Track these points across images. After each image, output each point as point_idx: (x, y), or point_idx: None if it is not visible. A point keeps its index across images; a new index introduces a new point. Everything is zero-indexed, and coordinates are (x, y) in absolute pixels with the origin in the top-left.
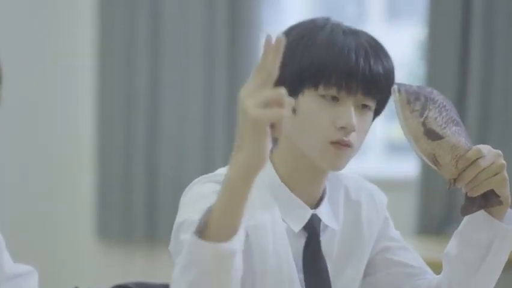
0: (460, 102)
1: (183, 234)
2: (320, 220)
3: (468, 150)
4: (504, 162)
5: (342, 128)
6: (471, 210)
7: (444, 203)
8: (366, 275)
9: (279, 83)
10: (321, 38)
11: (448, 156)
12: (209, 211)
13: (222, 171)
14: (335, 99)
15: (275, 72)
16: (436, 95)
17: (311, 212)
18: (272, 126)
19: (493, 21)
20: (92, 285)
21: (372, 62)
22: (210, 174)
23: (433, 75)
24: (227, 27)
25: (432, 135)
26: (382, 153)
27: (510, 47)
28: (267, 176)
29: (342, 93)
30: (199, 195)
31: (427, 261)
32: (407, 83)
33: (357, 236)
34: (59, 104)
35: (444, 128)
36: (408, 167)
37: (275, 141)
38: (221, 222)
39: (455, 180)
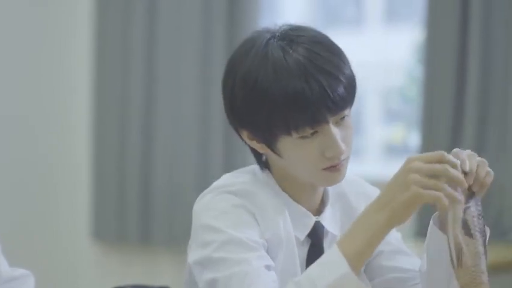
0: (458, 106)
1: (234, 253)
2: (323, 227)
3: (482, 273)
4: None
5: (332, 157)
6: None
7: None
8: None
9: (252, 132)
10: (268, 78)
11: (471, 261)
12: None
13: (228, 180)
14: (314, 133)
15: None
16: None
17: (314, 219)
18: None
19: (491, 25)
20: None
21: (327, 83)
22: (220, 183)
23: (431, 78)
24: (224, 29)
25: (465, 227)
26: (380, 156)
27: (508, 50)
28: (271, 187)
29: (318, 127)
30: (221, 210)
31: None
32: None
33: None
34: (54, 106)
35: (476, 232)
36: None
37: (266, 165)
38: (356, 261)
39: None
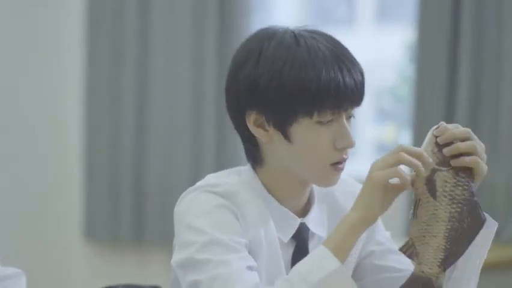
0: (449, 105)
1: (216, 254)
2: (308, 229)
3: (439, 249)
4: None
5: (343, 148)
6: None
7: None
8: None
9: (267, 114)
10: (301, 60)
11: (425, 217)
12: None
13: (212, 180)
14: (330, 121)
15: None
16: (469, 176)
17: (299, 221)
18: None
19: (483, 24)
20: (81, 287)
21: (354, 75)
22: (203, 183)
23: (423, 78)
24: (216, 29)
25: (431, 186)
26: (372, 155)
27: (499, 49)
28: (255, 189)
29: (337, 114)
30: (203, 210)
31: None
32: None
33: None
34: (46, 106)
35: (445, 197)
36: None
37: (260, 160)
38: (341, 256)
39: (411, 246)
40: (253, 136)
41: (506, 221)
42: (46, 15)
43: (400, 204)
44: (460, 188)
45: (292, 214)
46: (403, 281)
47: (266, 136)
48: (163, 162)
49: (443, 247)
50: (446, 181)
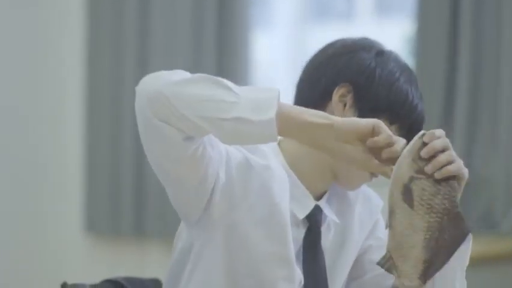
0: (448, 98)
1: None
2: (321, 212)
3: (419, 261)
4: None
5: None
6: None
7: None
8: (353, 278)
9: (361, 100)
10: (412, 78)
11: (401, 227)
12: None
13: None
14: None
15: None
16: (450, 185)
17: (315, 202)
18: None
19: (482, 17)
20: (81, 280)
21: (422, 109)
22: None
23: (422, 71)
24: (215, 27)
25: (407, 195)
26: None
27: (499, 42)
28: (279, 158)
29: (399, 130)
30: None
31: None
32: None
33: (348, 233)
34: (46, 99)
35: (423, 206)
36: None
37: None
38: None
39: (389, 258)
40: (320, 102)
41: (504, 214)
42: (46, 15)
43: None
44: (440, 196)
45: (309, 194)
46: None
47: (340, 112)
48: None
49: (423, 258)
50: (424, 189)
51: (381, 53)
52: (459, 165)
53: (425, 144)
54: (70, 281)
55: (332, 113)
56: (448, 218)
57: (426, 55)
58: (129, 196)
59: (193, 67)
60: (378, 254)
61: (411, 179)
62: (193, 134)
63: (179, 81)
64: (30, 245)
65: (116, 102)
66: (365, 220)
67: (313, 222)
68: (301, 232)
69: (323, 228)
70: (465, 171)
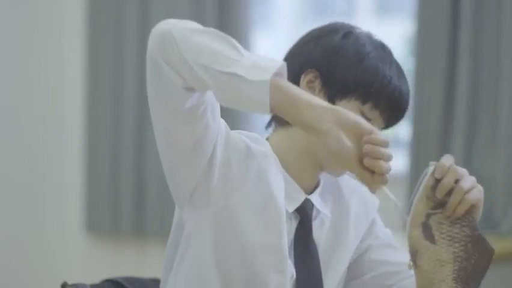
0: (448, 98)
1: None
2: (312, 205)
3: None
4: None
5: None
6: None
7: None
8: (353, 277)
9: (328, 83)
10: (383, 54)
11: (428, 265)
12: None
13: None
14: (370, 118)
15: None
16: (467, 212)
17: (305, 196)
18: None
19: (482, 17)
20: (81, 280)
21: (406, 90)
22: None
23: (422, 71)
24: (215, 26)
25: (427, 232)
26: None
27: (499, 42)
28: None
29: (379, 117)
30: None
31: None
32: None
33: (344, 231)
34: (47, 98)
35: (444, 239)
36: (398, 162)
37: (286, 122)
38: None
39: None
40: None
41: (504, 214)
42: (47, 14)
43: (400, 200)
44: (458, 225)
45: (299, 187)
46: (400, 275)
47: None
48: None
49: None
50: (441, 223)
51: (347, 34)
52: (473, 195)
53: (436, 180)
54: (70, 281)
55: None
56: (471, 244)
57: (427, 55)
58: (129, 196)
59: None
60: (379, 254)
61: (428, 215)
62: (192, 83)
63: (191, 28)
64: (31, 245)
65: (117, 103)
66: (360, 219)
67: (304, 215)
68: (294, 226)
69: (316, 223)
70: (481, 196)
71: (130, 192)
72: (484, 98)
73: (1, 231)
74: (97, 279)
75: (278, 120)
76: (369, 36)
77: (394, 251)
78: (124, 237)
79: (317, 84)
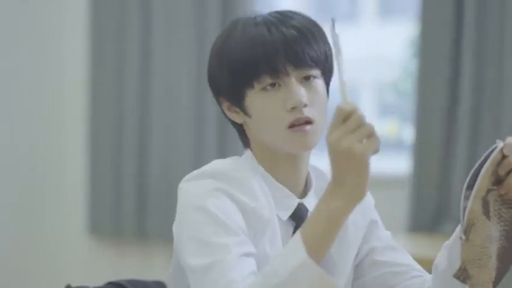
0: (452, 100)
1: (217, 236)
2: (307, 210)
3: (493, 269)
4: None
5: (293, 108)
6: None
7: (436, 201)
8: (356, 278)
9: (226, 97)
10: (235, 38)
11: (480, 239)
12: (302, 237)
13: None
14: (275, 85)
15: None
16: None
17: (298, 201)
18: None
19: (485, 19)
20: (84, 282)
21: (284, 31)
22: (203, 169)
23: (426, 72)
24: (217, 26)
25: (485, 206)
26: None
27: (502, 44)
28: (255, 169)
29: (277, 78)
30: (205, 192)
31: (419, 259)
32: None
33: (343, 227)
34: (50, 100)
35: (496, 216)
36: (400, 164)
37: (247, 142)
38: (316, 248)
39: (464, 270)
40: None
41: None
42: (48, 14)
43: (400, 202)
44: (506, 205)
45: (291, 193)
46: (403, 275)
47: (238, 118)
48: (165, 157)
49: (495, 266)
50: (495, 200)
51: (211, 49)
52: None
53: (504, 156)
54: (73, 284)
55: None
56: (510, 229)
57: (430, 57)
58: (131, 198)
59: (196, 66)
60: (382, 255)
61: (488, 191)
62: None
63: None
64: (33, 247)
65: (119, 104)
66: (357, 219)
67: (298, 221)
68: (289, 232)
69: None
70: None
71: (132, 194)
72: (487, 100)
73: (3, 233)
74: (99, 282)
75: (244, 145)
76: (224, 34)
77: (396, 252)
78: (127, 240)
79: (231, 105)
